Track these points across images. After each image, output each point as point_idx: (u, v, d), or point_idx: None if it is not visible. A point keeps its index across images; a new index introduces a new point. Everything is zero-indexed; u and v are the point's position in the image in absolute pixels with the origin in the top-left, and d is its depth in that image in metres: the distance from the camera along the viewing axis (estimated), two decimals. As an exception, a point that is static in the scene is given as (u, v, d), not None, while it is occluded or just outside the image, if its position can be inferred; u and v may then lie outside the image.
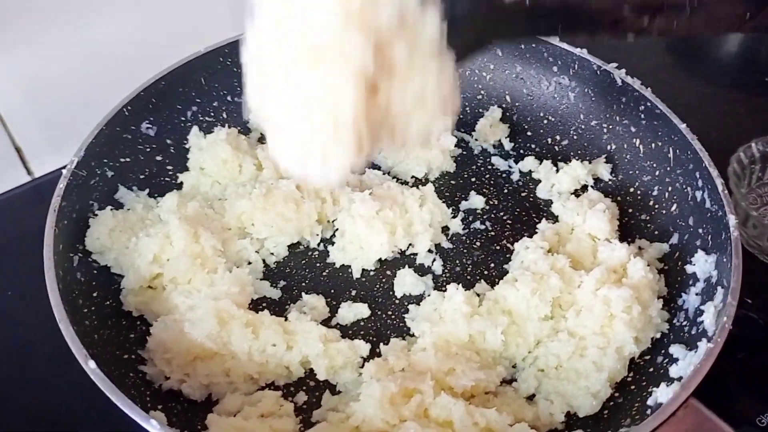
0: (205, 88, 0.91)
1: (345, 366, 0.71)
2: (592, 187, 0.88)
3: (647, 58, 1.18)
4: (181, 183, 0.86)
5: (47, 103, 0.96)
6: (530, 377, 0.71)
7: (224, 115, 0.93)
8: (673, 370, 0.66)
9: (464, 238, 0.86)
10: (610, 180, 0.89)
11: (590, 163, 0.90)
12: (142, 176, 0.85)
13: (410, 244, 0.83)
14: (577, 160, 0.90)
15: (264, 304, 0.78)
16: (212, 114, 0.92)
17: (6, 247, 0.90)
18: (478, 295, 0.77)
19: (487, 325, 0.71)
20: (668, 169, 0.83)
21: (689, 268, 0.75)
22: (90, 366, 0.59)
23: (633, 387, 0.69)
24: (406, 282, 0.80)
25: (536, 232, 0.83)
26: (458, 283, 0.76)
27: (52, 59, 0.93)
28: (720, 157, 0.82)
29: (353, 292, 0.80)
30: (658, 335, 0.72)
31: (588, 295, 0.72)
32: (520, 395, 0.70)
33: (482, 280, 0.80)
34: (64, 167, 0.75)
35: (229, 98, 0.93)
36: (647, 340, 0.71)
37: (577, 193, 0.88)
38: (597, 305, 0.71)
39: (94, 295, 0.72)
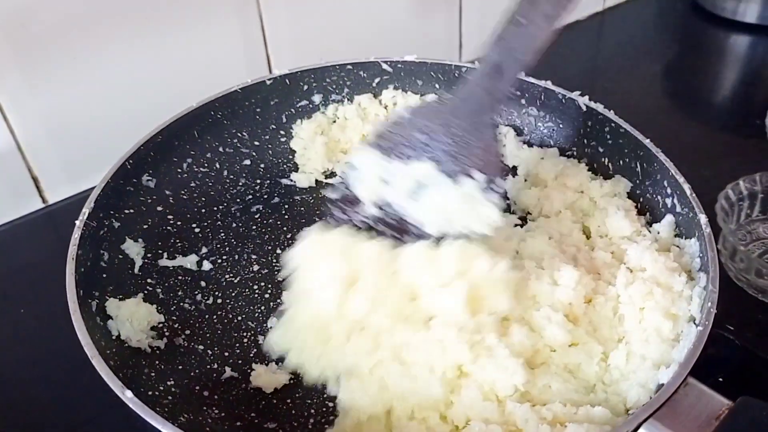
0: (198, 141, 0.96)
1: None
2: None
3: (644, 101, 1.27)
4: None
5: (65, 135, 1.01)
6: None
7: (217, 165, 0.98)
8: (669, 356, 0.71)
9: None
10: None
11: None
12: (145, 226, 0.88)
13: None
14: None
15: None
16: (206, 165, 0.97)
17: (21, 269, 0.96)
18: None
19: (582, 357, 0.73)
20: (638, 182, 0.90)
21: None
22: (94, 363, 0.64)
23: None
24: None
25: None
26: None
27: (71, 95, 0.99)
28: (713, 194, 0.88)
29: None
30: (694, 305, 0.73)
31: (624, 302, 0.76)
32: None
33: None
34: (75, 195, 0.77)
35: (220, 149, 0.98)
36: (685, 313, 0.73)
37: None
38: (627, 307, 0.75)
39: (114, 337, 0.75)
